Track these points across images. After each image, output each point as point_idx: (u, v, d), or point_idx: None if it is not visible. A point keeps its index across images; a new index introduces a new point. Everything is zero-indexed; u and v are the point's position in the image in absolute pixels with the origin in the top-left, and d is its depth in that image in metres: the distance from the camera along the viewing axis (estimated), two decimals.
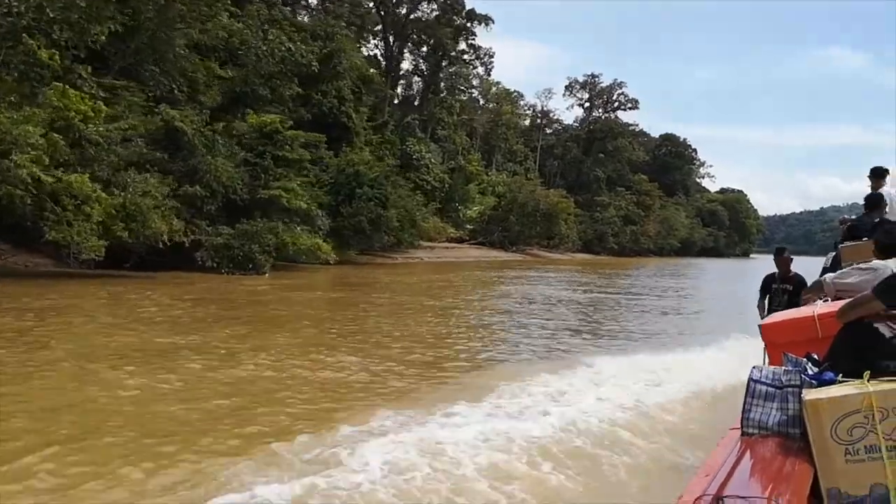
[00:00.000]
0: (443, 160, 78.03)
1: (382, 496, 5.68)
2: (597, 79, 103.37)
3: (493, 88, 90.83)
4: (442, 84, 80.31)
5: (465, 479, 6.09)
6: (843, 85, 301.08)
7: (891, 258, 4.37)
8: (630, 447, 7.36)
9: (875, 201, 7.86)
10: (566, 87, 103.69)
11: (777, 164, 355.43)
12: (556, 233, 77.74)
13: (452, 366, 12.71)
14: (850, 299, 3.53)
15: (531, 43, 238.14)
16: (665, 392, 9.65)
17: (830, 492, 2.53)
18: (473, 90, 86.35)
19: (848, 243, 6.61)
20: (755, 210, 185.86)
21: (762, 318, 7.39)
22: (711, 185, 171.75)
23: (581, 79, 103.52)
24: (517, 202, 74.83)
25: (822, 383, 2.82)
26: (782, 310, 6.96)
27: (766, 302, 8.80)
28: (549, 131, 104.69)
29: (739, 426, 3.08)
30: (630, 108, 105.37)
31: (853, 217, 8.82)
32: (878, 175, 8.80)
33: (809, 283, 6.93)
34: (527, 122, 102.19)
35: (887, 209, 7.82)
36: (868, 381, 2.61)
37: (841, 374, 2.84)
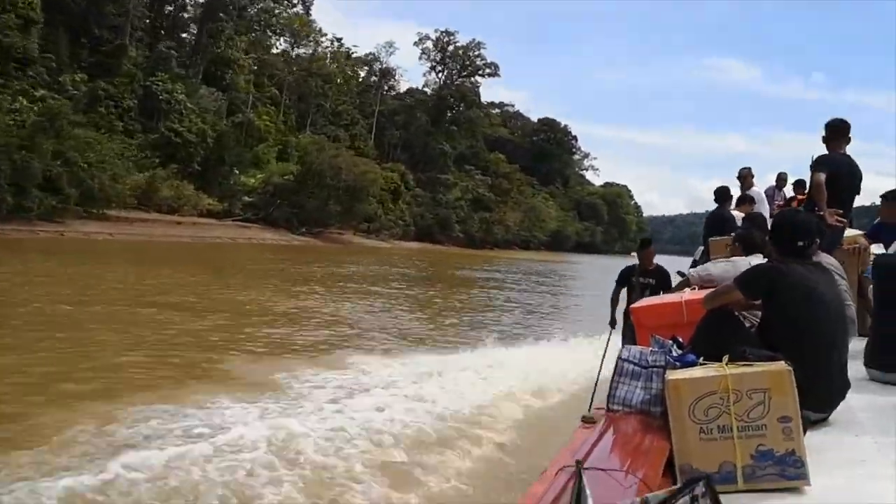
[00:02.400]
0: (227, 113, 58.08)
1: None
2: (452, 37, 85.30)
3: (314, 35, 71.14)
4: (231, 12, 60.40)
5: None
6: (734, 96, 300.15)
7: (750, 255, 4.71)
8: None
9: (722, 193, 8.83)
10: (415, 43, 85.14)
11: (670, 167, 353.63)
12: (360, 211, 58.87)
13: None
14: (715, 288, 3.67)
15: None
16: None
17: (683, 467, 2.60)
18: (277, 29, 66.46)
19: (715, 238, 7.15)
20: (638, 206, 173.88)
21: (613, 311, 8.20)
22: (596, 179, 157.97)
23: (433, 35, 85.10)
24: (312, 170, 55.63)
25: (685, 365, 2.89)
26: None
27: (622, 295, 8.35)
28: (391, 94, 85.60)
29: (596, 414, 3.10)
30: (490, 75, 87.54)
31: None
32: (745, 175, 9.86)
33: (675, 276, 6.89)
34: (361, 80, 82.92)
35: (755, 206, 8.74)
36: (726, 364, 2.68)
37: (702, 358, 2.90)
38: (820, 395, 3.11)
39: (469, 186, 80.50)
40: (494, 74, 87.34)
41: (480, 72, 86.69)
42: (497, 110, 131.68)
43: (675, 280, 6.55)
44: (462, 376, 9.78)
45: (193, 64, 56.32)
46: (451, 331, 16.34)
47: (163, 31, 54.17)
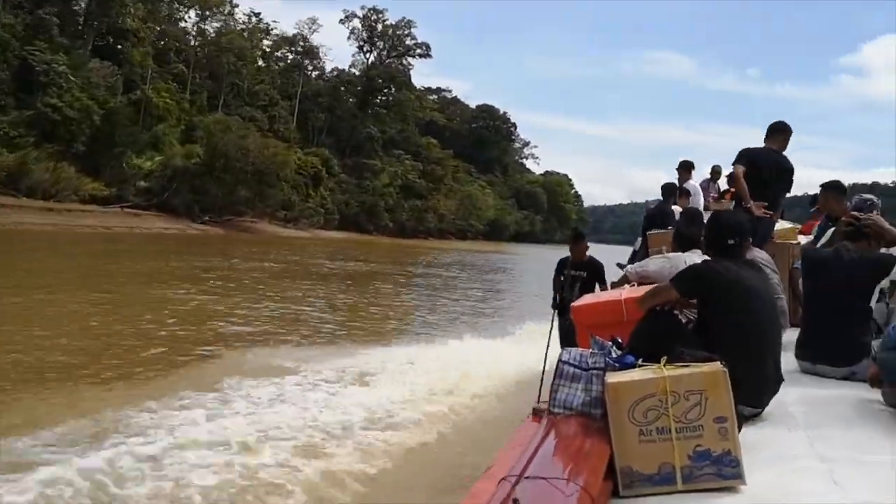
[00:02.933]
0: (123, 89, 52.17)
1: None
2: (381, 15, 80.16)
3: (227, 7, 65.27)
4: None
5: None
6: (672, 87, 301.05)
7: (687, 251, 4.64)
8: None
9: (668, 189, 8.81)
10: (341, 20, 79.77)
11: (611, 157, 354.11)
12: (270, 197, 53.71)
13: None
14: (652, 286, 3.64)
15: None
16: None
17: (623, 470, 2.61)
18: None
19: (654, 231, 7.12)
20: (578, 195, 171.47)
21: (555, 295, 7.87)
22: (536, 168, 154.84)
23: (360, 12, 79.83)
24: (217, 152, 50.23)
25: (624, 367, 2.89)
26: (572, 297, 7.05)
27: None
28: (315, 75, 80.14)
29: (546, 407, 3.11)
30: (421, 55, 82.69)
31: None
32: (684, 168, 9.64)
33: (614, 268, 7.18)
34: (282, 59, 77.21)
35: (691, 199, 8.70)
36: (664, 365, 2.70)
37: (641, 359, 2.89)
38: (754, 390, 3.19)
39: (398, 172, 75.69)
40: (426, 55, 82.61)
41: (411, 52, 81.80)
42: (434, 96, 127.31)
43: (613, 271, 6.79)
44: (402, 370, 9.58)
45: (81, 34, 50.23)
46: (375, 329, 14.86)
47: None
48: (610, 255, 8.31)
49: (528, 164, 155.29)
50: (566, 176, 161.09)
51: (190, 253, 30.57)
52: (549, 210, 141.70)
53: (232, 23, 66.74)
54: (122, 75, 52.29)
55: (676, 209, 8.22)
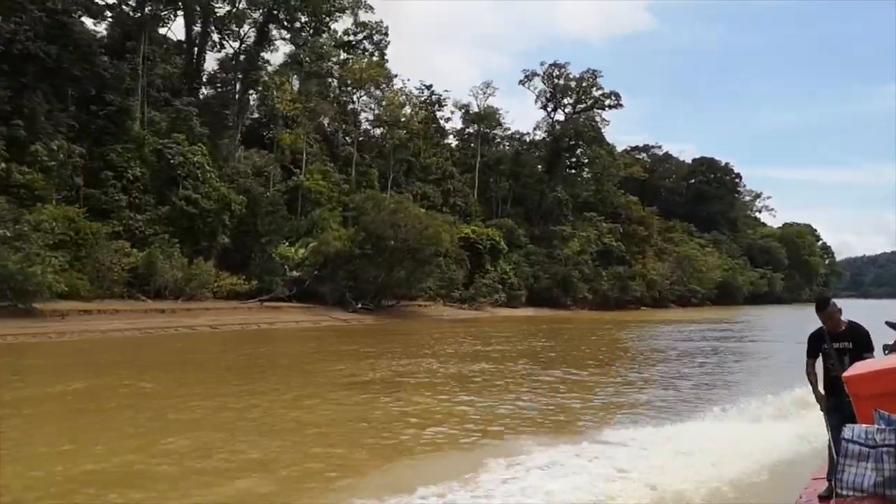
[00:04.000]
0: (272, 177, 48.90)
1: None
2: (563, 69, 72.34)
3: (390, 84, 61.14)
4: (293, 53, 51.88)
5: None
6: None
7: None
8: None
9: None
10: (520, 81, 72.91)
11: (863, 204, 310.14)
12: (423, 276, 46.46)
13: None
14: None
15: None
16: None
17: None
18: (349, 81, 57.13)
19: None
20: (827, 246, 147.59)
21: (815, 389, 6.66)
22: (772, 222, 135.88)
23: (541, 70, 72.60)
24: (369, 232, 44.42)
25: None
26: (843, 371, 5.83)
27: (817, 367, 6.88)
28: (496, 142, 73.49)
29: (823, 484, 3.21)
30: (611, 107, 73.09)
31: None
32: None
33: (884, 329, 6.65)
34: (450, 129, 71.52)
35: None
36: None
37: None
38: None
39: (591, 237, 65.71)
40: (616, 105, 72.79)
41: (599, 104, 72.64)
42: (642, 154, 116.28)
43: (883, 331, 6.00)
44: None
45: (233, 121, 47.70)
46: None
47: (186, 85, 45.98)
48: (876, 312, 7.83)
49: (764, 217, 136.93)
50: (808, 226, 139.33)
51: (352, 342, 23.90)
52: (791, 265, 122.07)
53: (395, 97, 62.42)
54: (275, 163, 49.01)
55: None
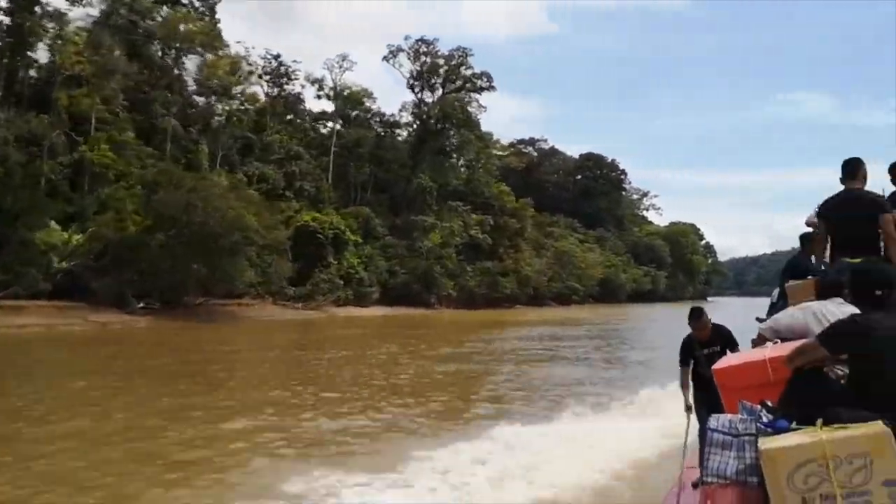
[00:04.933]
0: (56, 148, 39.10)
1: None
2: (432, 46, 64.96)
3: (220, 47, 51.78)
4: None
5: None
6: (811, 127, 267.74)
7: (827, 299, 4.22)
8: None
9: (807, 238, 7.42)
10: (385, 57, 65.07)
11: (747, 207, 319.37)
12: (234, 268, 37.93)
13: None
14: (797, 345, 3.35)
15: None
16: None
17: None
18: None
19: (792, 282, 5.94)
20: (710, 246, 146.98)
21: (686, 397, 7.05)
22: (660, 220, 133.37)
23: (407, 46, 64.91)
24: (160, 212, 35.46)
25: (777, 431, 2.76)
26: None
27: (691, 373, 7.14)
28: (354, 122, 65.17)
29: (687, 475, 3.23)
30: (483, 89, 66.23)
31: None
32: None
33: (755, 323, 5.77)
34: (312, 109, 62.90)
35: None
36: (821, 428, 2.57)
37: (794, 422, 2.76)
38: None
39: (455, 228, 58.44)
40: (489, 87, 65.95)
41: (469, 84, 65.61)
42: (529, 148, 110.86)
43: (754, 326, 5.43)
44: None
45: None
46: None
47: None
48: (755, 310, 7.01)
49: (651, 216, 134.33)
50: (692, 225, 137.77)
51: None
52: (675, 264, 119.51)
53: (245, 67, 53.33)
54: (59, 129, 39.15)
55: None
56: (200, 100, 49.99)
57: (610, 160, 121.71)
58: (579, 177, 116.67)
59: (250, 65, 56.51)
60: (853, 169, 5.26)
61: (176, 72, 50.67)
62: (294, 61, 58.21)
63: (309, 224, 48.42)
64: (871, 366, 2.99)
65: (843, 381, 3.19)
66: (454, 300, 59.77)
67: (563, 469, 8.23)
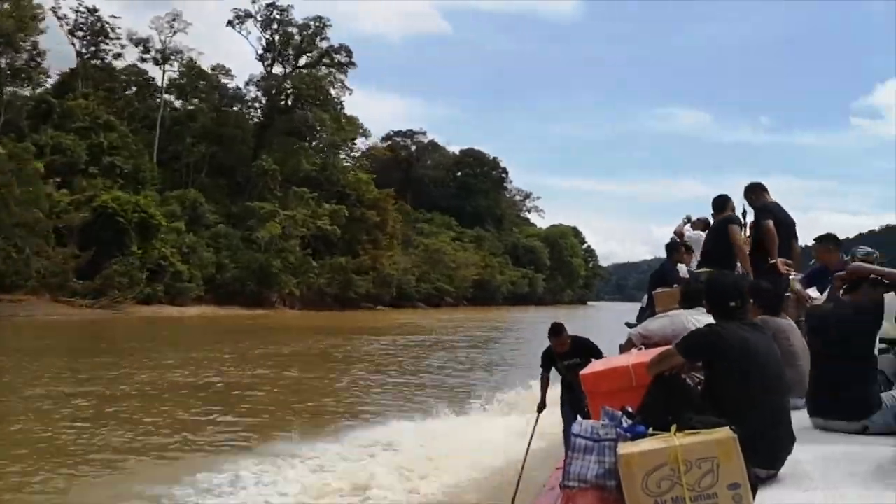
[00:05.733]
0: None
1: None
2: (285, 14, 56.83)
3: None
4: None
5: None
6: (686, 141, 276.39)
7: (693, 308, 4.50)
8: None
9: (672, 247, 8.26)
10: (230, 22, 56.45)
11: (631, 215, 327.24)
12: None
13: None
14: (658, 352, 3.51)
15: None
16: None
17: None
18: None
19: (660, 290, 6.50)
20: (591, 249, 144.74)
21: (543, 395, 7.42)
22: (542, 223, 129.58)
23: (256, 10, 56.51)
24: None
25: (636, 436, 2.82)
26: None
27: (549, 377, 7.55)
28: (188, 92, 56.07)
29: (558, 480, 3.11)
30: (342, 64, 58.69)
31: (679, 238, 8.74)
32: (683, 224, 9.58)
33: (623, 328, 7.06)
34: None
35: (695, 254, 8.11)
36: (675, 433, 2.64)
37: (652, 427, 2.83)
38: (767, 452, 3.07)
39: (298, 218, 50.49)
40: (349, 64, 58.48)
41: (328, 58, 57.93)
42: (405, 140, 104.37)
43: (623, 330, 6.37)
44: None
45: None
46: None
47: None
48: (633, 315, 7.78)
49: (533, 219, 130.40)
50: (573, 228, 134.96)
51: None
52: (554, 266, 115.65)
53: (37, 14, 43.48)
54: None
55: (683, 267, 7.93)
56: None
57: (492, 158, 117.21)
58: (459, 173, 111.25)
59: (60, 18, 46.89)
60: (720, 205, 6.54)
61: None
62: (113, 16, 48.47)
63: (108, 205, 39.45)
64: (721, 373, 3.12)
65: (699, 388, 3.32)
66: (300, 300, 52.02)
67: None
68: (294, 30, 56.63)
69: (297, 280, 51.07)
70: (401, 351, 25.81)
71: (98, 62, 50.28)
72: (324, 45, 57.11)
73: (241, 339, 27.43)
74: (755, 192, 6.24)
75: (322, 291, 53.46)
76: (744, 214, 7.81)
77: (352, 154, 64.01)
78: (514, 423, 10.08)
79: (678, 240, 8.75)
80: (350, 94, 61.55)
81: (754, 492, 2.55)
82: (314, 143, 59.45)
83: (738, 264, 6.06)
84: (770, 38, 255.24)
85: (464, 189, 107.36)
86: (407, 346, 27.95)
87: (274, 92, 56.05)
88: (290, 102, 56.69)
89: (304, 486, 7.59)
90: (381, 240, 60.22)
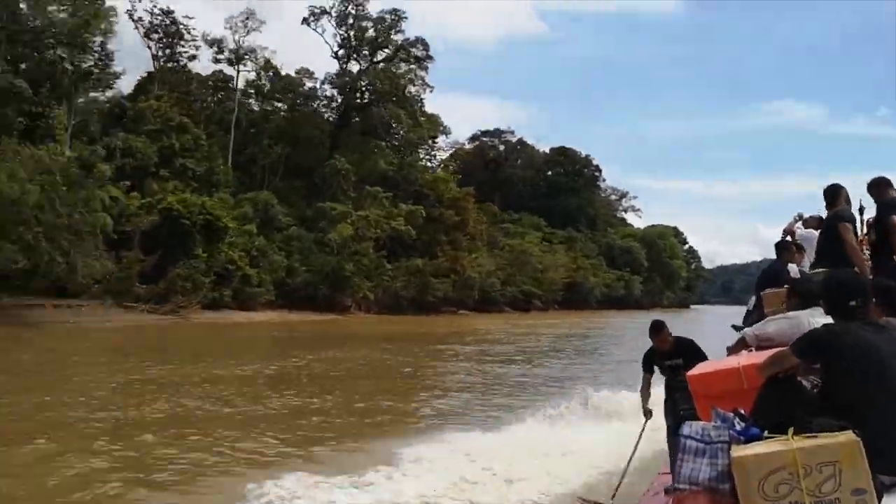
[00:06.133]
0: None
1: None
2: (360, 8, 54.93)
3: None
4: None
5: None
6: (797, 135, 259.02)
7: (807, 308, 4.30)
8: None
9: (782, 246, 7.98)
10: (304, 19, 55.03)
11: (738, 215, 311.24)
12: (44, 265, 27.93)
13: None
14: (772, 353, 3.34)
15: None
16: None
17: None
18: None
19: (769, 290, 6.26)
20: (693, 250, 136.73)
21: (644, 402, 7.37)
22: (640, 223, 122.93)
23: (331, 6, 54.82)
24: None
25: (750, 439, 2.74)
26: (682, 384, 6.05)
27: (652, 382, 7.42)
28: (267, 94, 54.95)
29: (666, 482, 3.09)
30: (418, 59, 56.23)
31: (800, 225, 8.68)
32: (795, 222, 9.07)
33: (730, 331, 6.85)
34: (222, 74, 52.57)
35: (807, 253, 7.85)
36: (792, 437, 2.56)
37: (766, 430, 2.74)
38: (893, 458, 2.82)
39: (371, 219, 48.13)
40: (426, 58, 55.98)
41: (403, 52, 55.59)
42: (492, 140, 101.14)
43: (730, 333, 6.16)
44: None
45: None
46: None
47: None
48: (740, 318, 7.27)
49: (631, 219, 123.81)
50: (674, 228, 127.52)
51: None
52: (652, 268, 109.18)
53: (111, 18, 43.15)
54: None
55: (794, 267, 7.43)
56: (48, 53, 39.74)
57: (584, 155, 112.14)
58: (549, 172, 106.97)
59: (136, 20, 46.57)
60: (832, 195, 6.05)
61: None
62: (186, 17, 47.88)
63: (173, 207, 38.29)
64: (840, 375, 2.97)
65: (816, 391, 3.17)
66: (375, 304, 49.74)
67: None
68: (369, 24, 54.47)
69: (372, 283, 48.75)
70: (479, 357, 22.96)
71: (173, 64, 49.56)
72: (399, 38, 54.63)
73: (283, 349, 24.99)
74: (880, 187, 5.92)
75: (398, 295, 50.99)
76: (860, 210, 7.35)
77: (433, 153, 60.97)
78: (615, 429, 10.15)
79: (788, 239, 8.39)
80: (431, 90, 59.33)
81: (879, 499, 2.43)
82: (391, 143, 57.20)
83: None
84: (885, 23, 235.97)
85: (554, 188, 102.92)
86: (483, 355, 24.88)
87: (349, 89, 54.15)
88: (366, 99, 54.47)
89: (416, 490, 7.56)
90: (462, 241, 57.25)
